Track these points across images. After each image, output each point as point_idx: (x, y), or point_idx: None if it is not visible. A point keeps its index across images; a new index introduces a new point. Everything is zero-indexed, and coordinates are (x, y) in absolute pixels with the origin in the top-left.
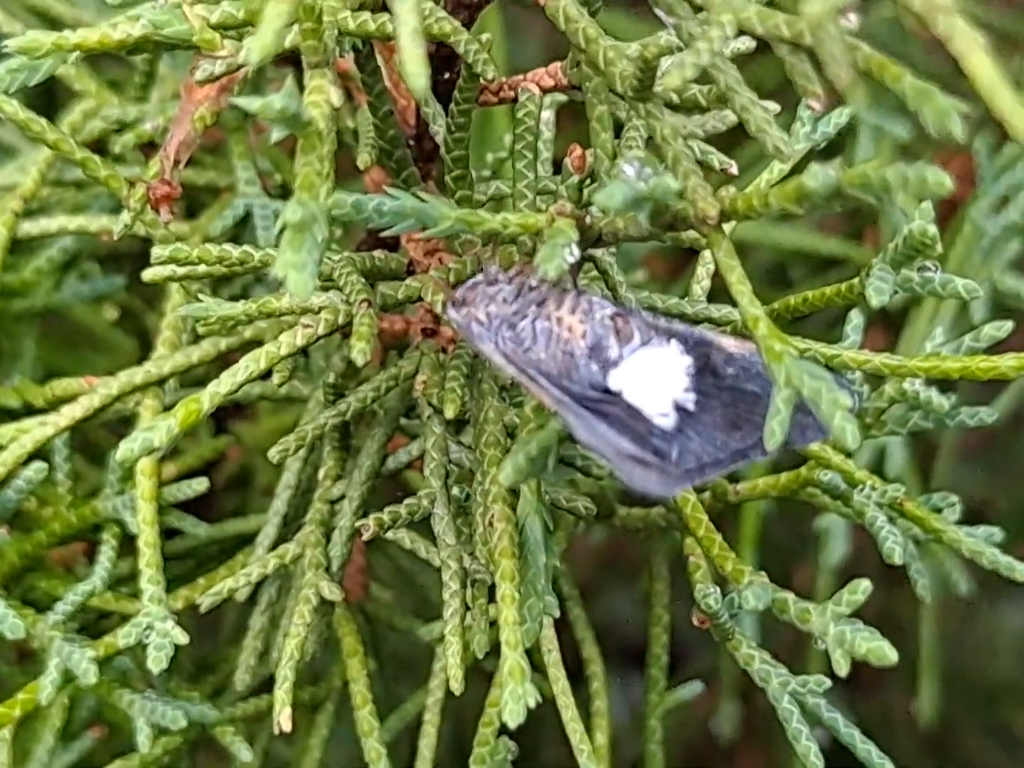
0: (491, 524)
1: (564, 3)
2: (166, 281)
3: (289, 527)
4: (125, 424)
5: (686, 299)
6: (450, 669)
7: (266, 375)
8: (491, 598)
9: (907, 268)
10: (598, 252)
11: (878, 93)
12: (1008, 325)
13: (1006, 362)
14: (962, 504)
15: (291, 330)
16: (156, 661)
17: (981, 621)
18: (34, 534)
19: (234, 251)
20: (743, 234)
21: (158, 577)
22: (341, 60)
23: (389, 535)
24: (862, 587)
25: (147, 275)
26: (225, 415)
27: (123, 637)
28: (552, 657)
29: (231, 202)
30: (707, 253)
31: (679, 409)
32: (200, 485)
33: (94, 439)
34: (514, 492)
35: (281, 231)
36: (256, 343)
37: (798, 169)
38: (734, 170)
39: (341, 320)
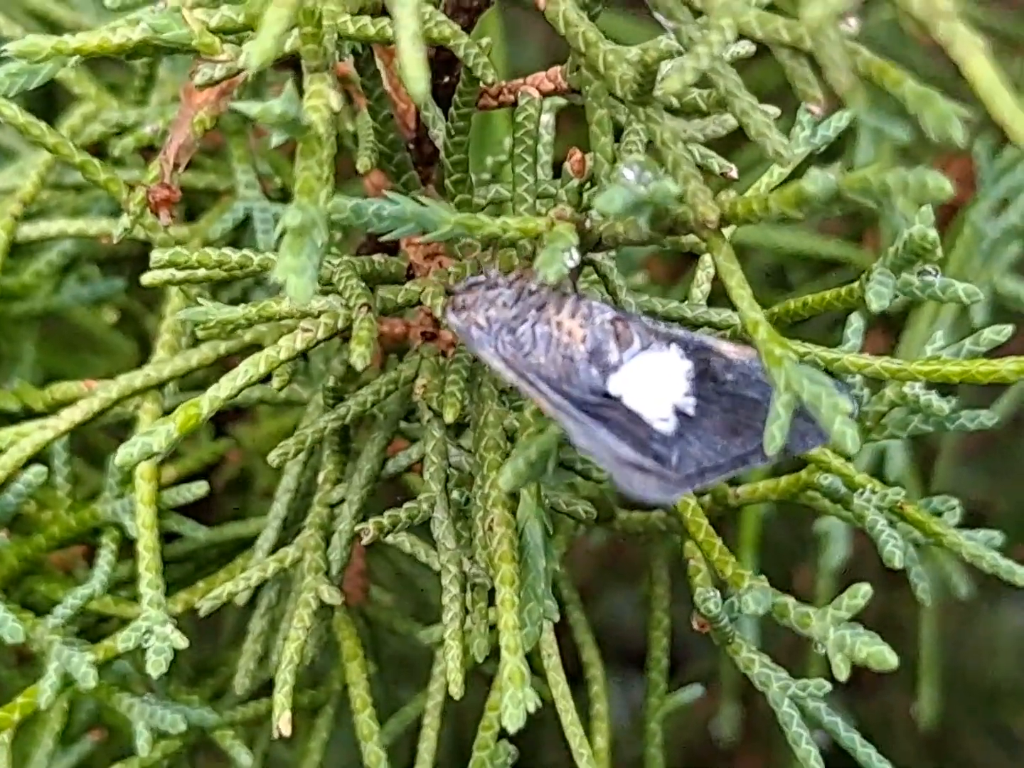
0: (491, 528)
1: (564, 7)
2: (165, 285)
3: (289, 531)
4: (125, 427)
5: (686, 303)
6: (450, 673)
7: (266, 379)
8: (491, 602)
9: (907, 272)
10: (598, 256)
11: (878, 96)
12: (1008, 329)
13: (1006, 366)
14: (963, 506)
15: (291, 334)
16: (155, 665)
17: (981, 622)
18: (33, 537)
19: (233, 255)
20: (743, 236)
21: (157, 581)
22: (341, 64)
23: (389, 539)
24: (862, 592)
25: (146, 279)
26: (225, 418)
27: (122, 641)
28: (552, 661)
29: (231, 205)
30: (707, 257)
31: (679, 414)
32: (199, 489)
33: (93, 442)
34: (514, 496)
35: (281, 235)
36: (256, 347)
37: (798, 172)
38: (734, 174)
39: (341, 324)
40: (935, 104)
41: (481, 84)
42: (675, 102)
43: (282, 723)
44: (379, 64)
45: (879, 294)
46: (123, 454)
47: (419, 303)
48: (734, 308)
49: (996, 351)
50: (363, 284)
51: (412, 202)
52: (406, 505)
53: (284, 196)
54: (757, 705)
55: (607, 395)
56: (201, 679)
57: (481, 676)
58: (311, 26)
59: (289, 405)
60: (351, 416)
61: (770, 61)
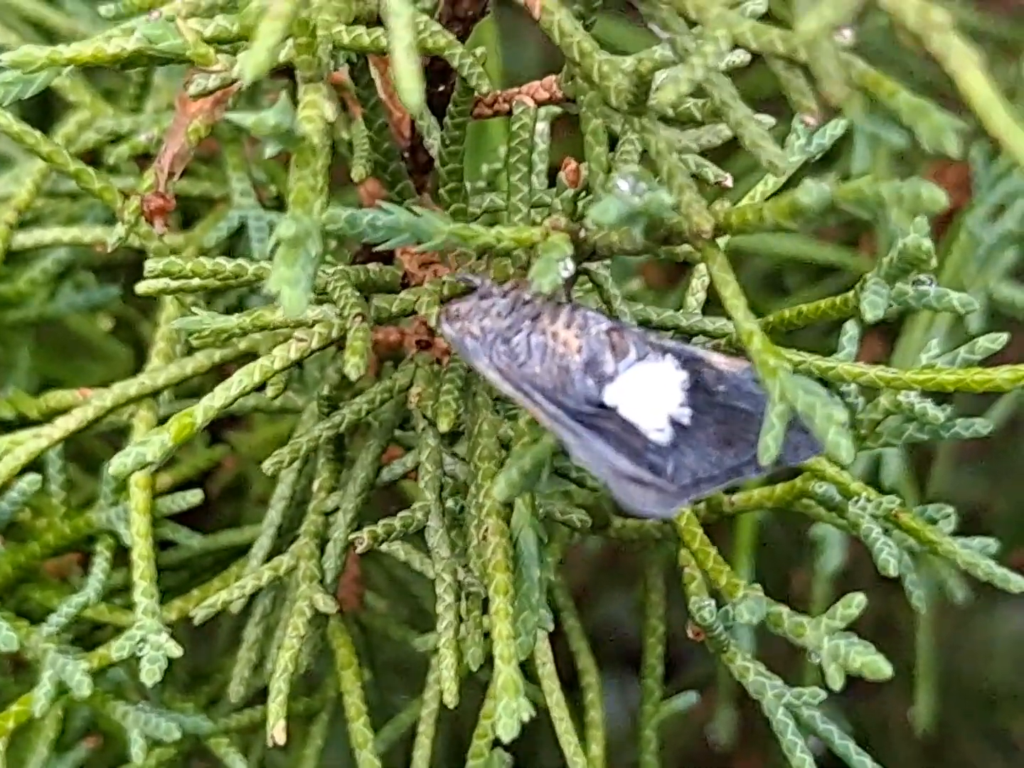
0: (485, 537)
1: (558, 17)
2: (160, 294)
3: (284, 538)
4: (120, 434)
5: (681, 312)
6: (444, 682)
7: (260, 387)
8: (485, 610)
9: (902, 282)
10: (593, 265)
11: (874, 101)
12: (1003, 338)
13: (1001, 374)
14: (960, 509)
15: (285, 343)
16: (149, 674)
17: (978, 626)
18: (28, 545)
19: (228, 264)
20: (740, 241)
21: (152, 589)
22: (336, 72)
23: (383, 547)
24: (855, 601)
25: (141, 288)
26: (220, 424)
27: (116, 650)
28: (546, 669)
29: (226, 213)
30: (702, 265)
31: (674, 424)
32: (194, 497)
33: (89, 448)
34: (508, 505)
35: (275, 246)
36: (251, 355)
37: (794, 180)
38: (729, 183)
39: (335, 334)
40: (929, 116)
41: (476, 93)
42: (670, 112)
43: (276, 732)
44: (374, 73)
45: (873, 304)
46: (117, 464)
47: (414, 312)
48: (729, 316)
49: (992, 357)
50: (357, 293)
51: (406, 212)
52: (400, 514)
53: (279, 204)
54: (754, 709)
55: (602, 405)
56: (196, 686)
57: (478, 682)
58: (305, 37)
59: (285, 412)
60: (346, 424)
61: (767, 67)
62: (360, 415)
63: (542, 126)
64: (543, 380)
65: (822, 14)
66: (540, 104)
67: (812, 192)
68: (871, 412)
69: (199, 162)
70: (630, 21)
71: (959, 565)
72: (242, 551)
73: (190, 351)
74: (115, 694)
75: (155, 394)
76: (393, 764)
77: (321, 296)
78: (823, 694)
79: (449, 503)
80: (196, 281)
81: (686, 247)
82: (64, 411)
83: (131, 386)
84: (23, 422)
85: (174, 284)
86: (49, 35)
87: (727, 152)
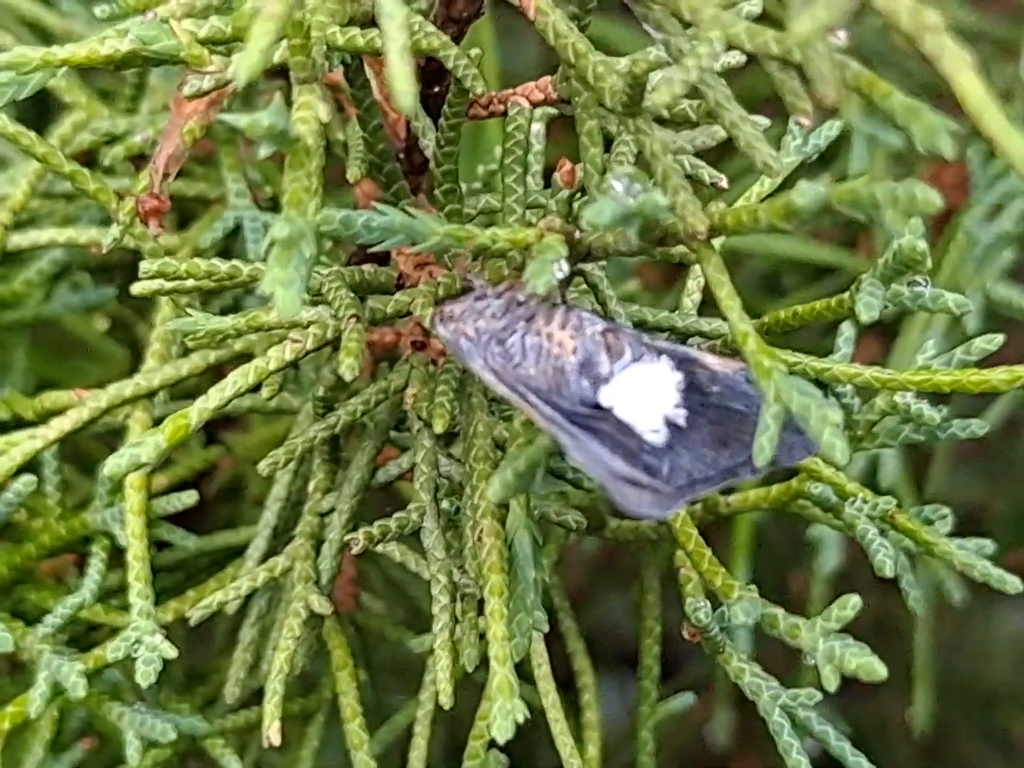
0: (480, 538)
1: (553, 18)
2: (155, 295)
3: (279, 539)
4: (116, 435)
5: (676, 312)
6: (439, 684)
7: (255, 389)
8: (481, 611)
9: (897, 283)
10: (588, 266)
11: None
12: (999, 339)
13: (997, 375)
14: (958, 510)
15: (280, 345)
16: (144, 676)
17: (976, 626)
18: (24, 546)
19: (222, 266)
20: (736, 242)
21: (147, 591)
22: (331, 73)
23: (379, 548)
24: (851, 603)
25: (136, 289)
26: (216, 425)
27: (112, 651)
28: (542, 671)
29: (221, 214)
30: (698, 267)
31: (669, 425)
32: (190, 498)
33: (85, 449)
34: (504, 506)
35: (269, 247)
36: (246, 356)
37: (790, 181)
38: (724, 184)
39: (330, 335)
40: (924, 117)
41: (471, 95)
42: (665, 113)
43: (272, 733)
44: (369, 74)
45: (869, 305)
46: (112, 465)
47: (409, 313)
48: (725, 317)
49: (990, 357)
50: (352, 295)
51: (401, 213)
52: (396, 515)
53: (275, 205)
54: (752, 711)
55: (597, 406)
56: (192, 687)
57: (474, 682)
58: (299, 38)
59: (280, 413)
60: (341, 425)
61: (762, 68)
62: (355, 416)
63: (538, 127)
64: (538, 381)
65: (816, 15)
66: (535, 105)
67: (807, 193)
68: (867, 413)
69: (194, 163)
70: (625, 22)
71: (956, 566)
72: (238, 552)
73: (186, 352)
74: (111, 695)
75: (150, 395)
76: (389, 765)
77: (316, 297)
78: (819, 695)
79: (444, 504)
80: (191, 282)
81: (681, 248)
82: (59, 412)
83: (126, 387)
84: (18, 423)
85: (169, 285)
86: (45, 36)
87: (723, 153)
